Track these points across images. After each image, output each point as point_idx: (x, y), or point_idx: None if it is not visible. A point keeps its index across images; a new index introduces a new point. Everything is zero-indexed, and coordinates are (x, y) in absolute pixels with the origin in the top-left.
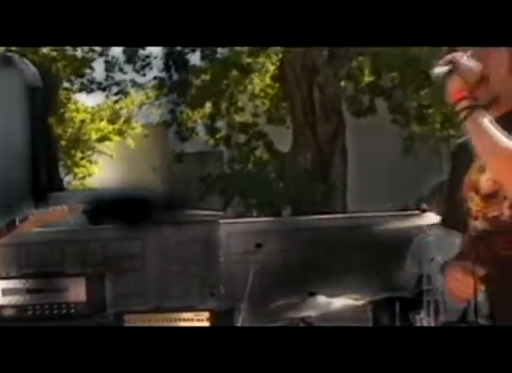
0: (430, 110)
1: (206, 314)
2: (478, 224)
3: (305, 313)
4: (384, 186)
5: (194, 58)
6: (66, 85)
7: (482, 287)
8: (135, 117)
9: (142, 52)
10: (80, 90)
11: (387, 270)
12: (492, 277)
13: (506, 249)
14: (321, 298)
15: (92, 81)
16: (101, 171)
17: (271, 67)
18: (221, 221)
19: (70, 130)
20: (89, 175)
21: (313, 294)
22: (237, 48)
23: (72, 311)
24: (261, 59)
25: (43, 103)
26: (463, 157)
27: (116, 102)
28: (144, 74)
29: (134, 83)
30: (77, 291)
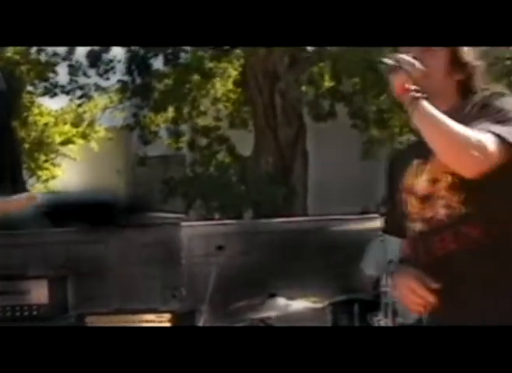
0: (389, 115)
1: (168, 315)
2: (416, 226)
3: (265, 314)
4: (344, 189)
5: (157, 63)
6: (30, 88)
7: (433, 300)
8: (99, 121)
9: (105, 56)
10: (44, 94)
11: (346, 273)
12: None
13: (441, 248)
14: (281, 300)
15: (55, 85)
16: (65, 174)
17: (233, 73)
18: (183, 223)
19: (33, 133)
20: (53, 177)
21: (273, 296)
22: (199, 53)
23: (35, 313)
24: (223, 64)
25: (7, 107)
26: (399, 165)
27: (79, 105)
28: (107, 78)
29: (97, 87)
30: (39, 294)
